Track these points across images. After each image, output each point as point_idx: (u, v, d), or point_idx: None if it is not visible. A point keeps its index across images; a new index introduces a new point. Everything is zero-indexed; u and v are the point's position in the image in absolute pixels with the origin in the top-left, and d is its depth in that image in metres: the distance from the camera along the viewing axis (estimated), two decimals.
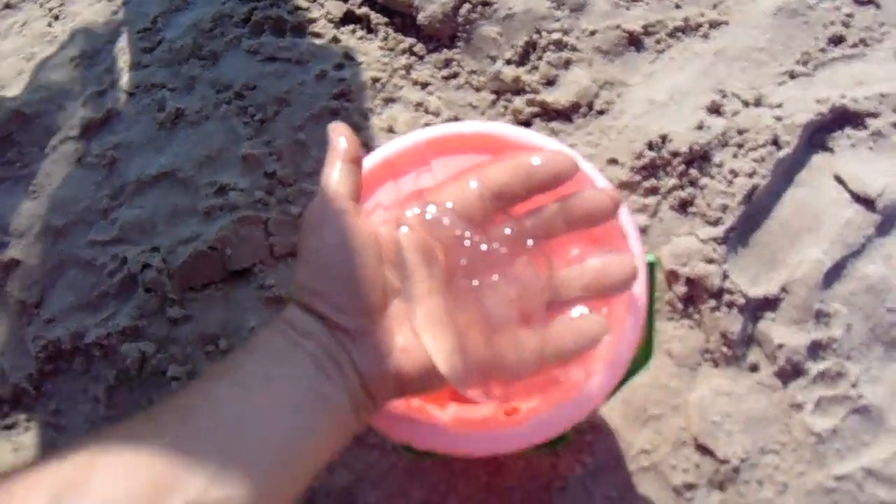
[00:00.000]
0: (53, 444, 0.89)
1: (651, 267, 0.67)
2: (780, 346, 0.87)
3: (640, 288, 0.63)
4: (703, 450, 0.84)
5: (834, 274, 0.90)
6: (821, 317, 0.88)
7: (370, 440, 0.85)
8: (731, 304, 0.88)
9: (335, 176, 0.59)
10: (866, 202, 0.93)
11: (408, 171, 0.73)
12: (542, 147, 0.70)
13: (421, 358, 0.55)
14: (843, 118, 0.98)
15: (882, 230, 0.92)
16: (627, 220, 0.65)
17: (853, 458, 0.84)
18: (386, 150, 0.71)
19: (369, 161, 0.70)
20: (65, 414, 0.91)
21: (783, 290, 0.89)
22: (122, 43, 1.16)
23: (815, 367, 0.86)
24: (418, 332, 0.56)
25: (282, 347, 0.53)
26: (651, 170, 0.96)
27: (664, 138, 0.96)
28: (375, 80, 1.06)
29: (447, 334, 0.56)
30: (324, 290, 0.55)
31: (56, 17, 1.22)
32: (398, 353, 0.55)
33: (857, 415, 0.85)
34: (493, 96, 1.04)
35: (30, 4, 1.25)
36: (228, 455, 0.46)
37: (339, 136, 0.61)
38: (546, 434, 0.59)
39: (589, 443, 0.84)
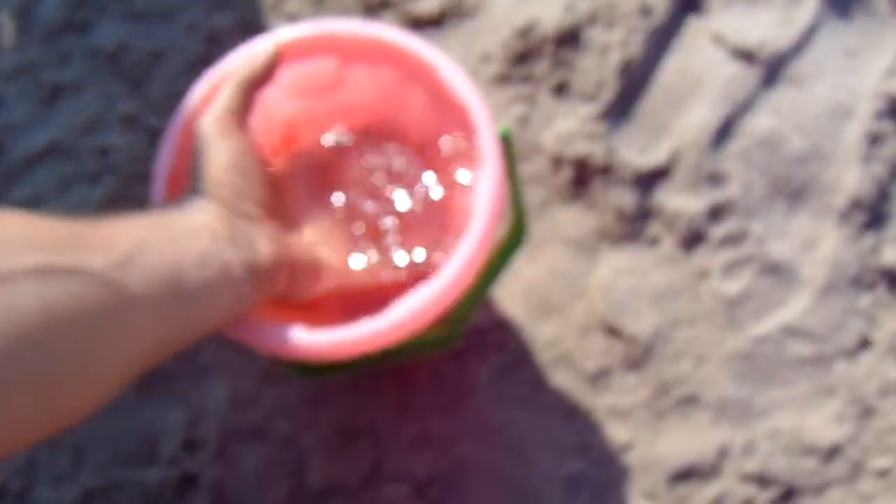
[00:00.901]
0: None
1: (505, 137, 0.65)
2: (678, 215, 0.85)
3: (491, 161, 0.61)
4: (613, 331, 0.82)
5: (724, 133, 0.88)
6: (716, 178, 0.86)
7: (275, 376, 0.83)
8: (621, 179, 0.86)
9: (231, 95, 0.62)
10: (747, 57, 0.91)
11: None
12: (382, 36, 0.68)
13: (311, 254, 0.60)
14: None
15: (767, 83, 0.90)
16: (470, 92, 0.63)
17: (769, 317, 0.83)
18: (224, 63, 0.69)
19: (210, 77, 0.68)
20: None
21: (673, 156, 0.87)
22: None
23: (717, 231, 0.84)
24: (308, 234, 0.62)
25: (186, 218, 0.54)
26: (523, 58, 0.94)
27: (532, 24, 0.94)
28: (245, 20, 1.04)
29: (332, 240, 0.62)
30: (227, 181, 0.56)
31: None
32: (294, 246, 0.59)
33: (766, 273, 0.83)
34: (362, 16, 1.01)
35: None
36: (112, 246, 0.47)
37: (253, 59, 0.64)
38: (413, 324, 0.58)
39: (494, 340, 0.82)
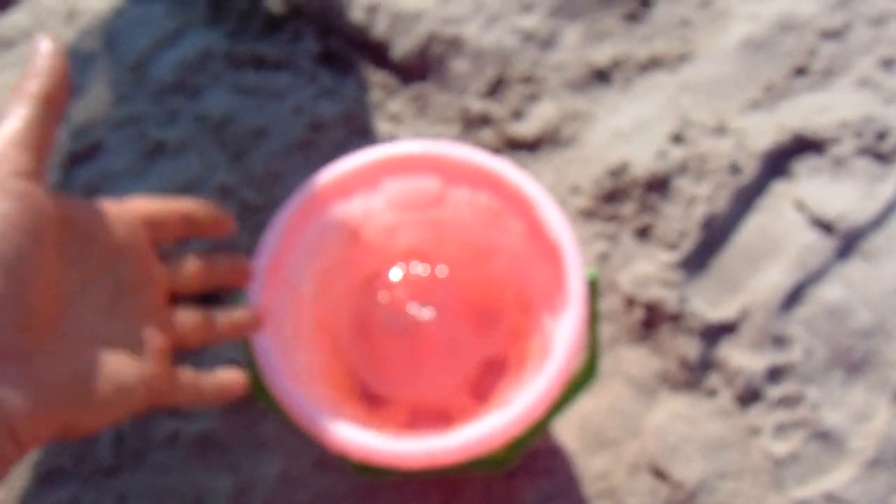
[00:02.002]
0: (23, 461, 0.90)
1: (591, 282, 0.68)
2: (739, 371, 0.87)
3: (575, 302, 0.64)
4: (660, 474, 0.84)
5: (793, 298, 0.90)
6: (780, 341, 0.88)
7: (328, 463, 0.86)
8: (689, 329, 0.89)
9: (15, 123, 0.46)
10: (826, 227, 0.94)
11: (358, 190, 0.75)
12: (488, 165, 0.71)
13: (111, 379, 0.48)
14: (804, 145, 0.99)
15: (842, 254, 0.93)
16: (566, 234, 0.67)
17: (813, 483, 0.84)
18: (334, 169, 0.73)
19: (320, 179, 0.72)
20: None
21: (742, 314, 0.90)
22: (112, 78, 1.19)
23: (774, 392, 0.86)
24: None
25: None
26: (611, 197, 0.97)
27: (625, 166, 0.98)
28: (349, 113, 1.08)
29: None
30: None
31: None
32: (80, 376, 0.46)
33: (816, 439, 0.85)
34: (461, 129, 1.05)
35: (27, 41, 1.28)
36: None
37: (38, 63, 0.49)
38: (480, 448, 0.60)
39: (545, 466, 0.84)
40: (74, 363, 0.46)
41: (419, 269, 0.82)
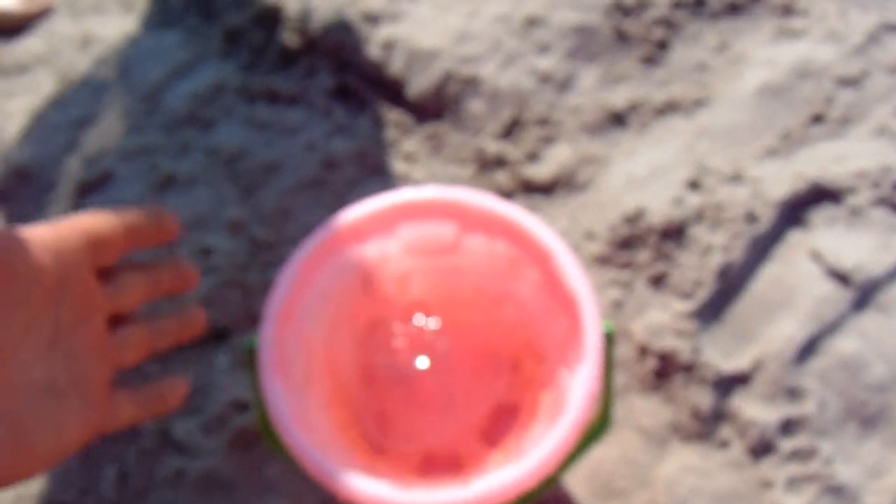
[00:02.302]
0: (25, 493, 0.89)
1: (607, 335, 0.68)
2: (752, 423, 0.86)
3: (592, 356, 0.63)
4: None
5: (808, 350, 0.89)
6: (793, 393, 0.87)
7: (335, 503, 0.85)
8: (702, 379, 0.88)
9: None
10: (842, 278, 0.93)
11: (374, 235, 0.74)
12: (505, 213, 0.71)
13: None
14: (821, 194, 0.99)
15: (858, 306, 0.92)
16: (583, 286, 0.66)
17: None
18: (351, 213, 0.72)
19: (336, 222, 0.72)
20: None
21: (755, 365, 0.89)
22: (124, 108, 1.19)
23: (787, 444, 0.85)
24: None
25: None
26: (626, 244, 0.96)
27: (640, 212, 0.97)
28: (363, 151, 1.08)
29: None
30: None
31: (63, 81, 1.25)
32: None
33: (830, 493, 0.84)
34: (476, 170, 1.05)
35: (40, 67, 1.28)
36: None
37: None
38: (491, 500, 0.59)
39: None
40: (13, 418, 0.46)
41: (423, 321, 0.82)
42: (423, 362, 0.81)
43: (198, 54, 1.23)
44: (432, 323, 0.82)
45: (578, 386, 0.63)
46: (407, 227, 0.75)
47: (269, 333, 0.66)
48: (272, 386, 0.64)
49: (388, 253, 0.76)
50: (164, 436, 0.90)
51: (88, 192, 1.10)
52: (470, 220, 0.74)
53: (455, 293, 0.81)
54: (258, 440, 0.88)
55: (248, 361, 0.69)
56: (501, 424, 0.80)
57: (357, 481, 0.60)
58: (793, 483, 0.84)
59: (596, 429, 0.69)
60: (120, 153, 1.13)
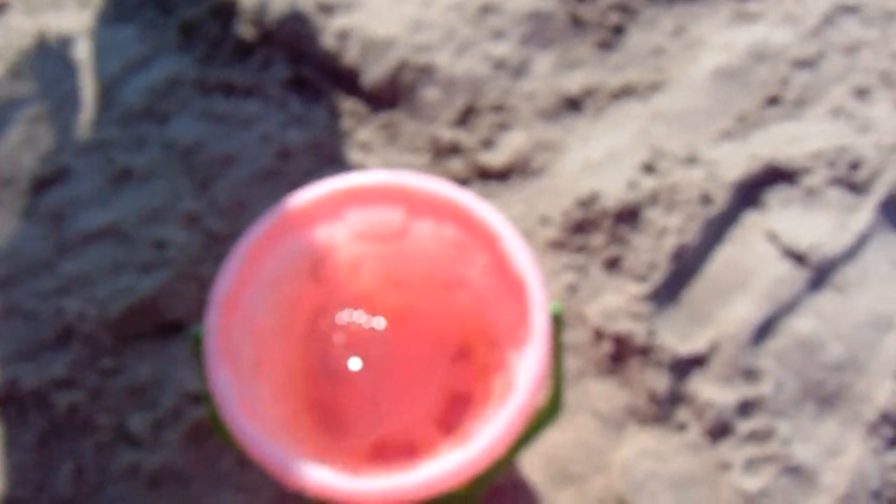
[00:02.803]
0: None
1: (556, 317, 0.67)
2: (709, 405, 0.86)
3: (539, 338, 0.63)
4: None
5: (764, 330, 0.89)
6: (750, 374, 0.87)
7: (290, 499, 0.84)
8: (658, 362, 0.87)
9: None
10: (798, 258, 0.93)
11: (321, 220, 0.74)
12: (453, 197, 0.70)
13: None
14: (777, 175, 0.99)
15: (814, 286, 0.92)
16: (531, 269, 0.66)
17: None
18: (297, 199, 0.71)
19: (281, 209, 0.71)
20: None
21: (712, 347, 0.88)
22: (80, 102, 1.18)
23: (744, 426, 0.85)
24: None
25: None
26: (581, 228, 0.96)
27: (595, 196, 0.97)
28: (318, 141, 1.07)
29: None
30: None
31: (17, 75, 1.24)
32: None
33: (788, 474, 0.84)
34: (431, 158, 1.04)
35: None
36: None
37: None
38: (439, 485, 0.59)
39: (510, 502, 0.83)
40: None
41: (364, 318, 0.81)
42: (356, 363, 0.80)
43: (154, 48, 1.22)
44: (375, 322, 0.82)
45: (525, 368, 0.62)
46: (355, 213, 0.74)
47: (215, 321, 0.66)
48: (218, 374, 0.63)
49: (336, 239, 0.75)
50: (118, 430, 0.89)
51: (44, 187, 1.09)
52: (417, 204, 0.73)
53: (405, 279, 0.80)
54: (212, 433, 0.87)
55: (195, 350, 0.68)
56: (456, 412, 0.79)
57: (304, 469, 0.59)
58: (751, 464, 0.84)
59: (548, 412, 0.69)
60: (76, 148, 1.12)
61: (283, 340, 0.76)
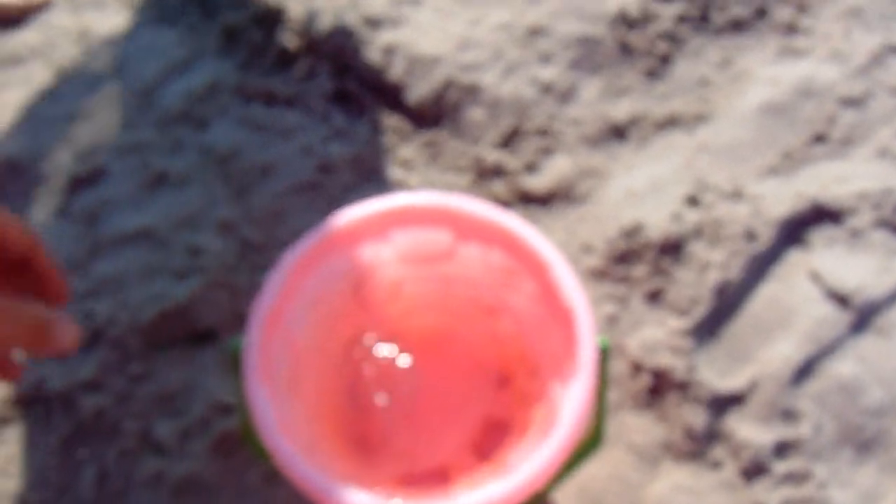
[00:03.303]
0: (2, 491, 0.87)
1: (602, 350, 0.66)
2: (746, 444, 0.84)
3: (585, 371, 0.62)
4: None
5: (805, 371, 0.88)
6: (789, 415, 0.86)
7: None
8: (696, 398, 0.86)
9: None
10: (841, 300, 0.92)
11: (366, 240, 0.73)
12: (503, 223, 0.69)
13: None
14: (822, 214, 0.98)
15: (856, 329, 0.91)
16: (580, 299, 0.65)
17: None
18: (344, 217, 0.71)
19: (328, 226, 0.70)
20: (16, 462, 0.90)
21: (751, 385, 0.87)
22: (119, 103, 1.17)
23: (780, 467, 0.84)
24: None
25: None
26: (624, 258, 0.95)
27: (638, 227, 0.96)
28: (359, 156, 1.06)
29: None
30: None
31: (58, 74, 1.24)
32: None
33: None
34: (473, 179, 1.03)
35: (35, 60, 1.26)
36: None
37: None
38: None
39: None
40: None
41: (397, 353, 0.81)
42: (384, 398, 0.79)
43: (195, 52, 1.21)
44: (405, 359, 0.81)
45: (571, 401, 0.61)
46: (401, 233, 0.73)
47: (256, 337, 0.65)
48: (257, 391, 0.63)
49: (380, 259, 0.75)
50: (144, 436, 0.88)
51: (80, 187, 1.09)
52: (465, 227, 0.72)
53: (447, 303, 0.80)
54: (240, 445, 0.86)
55: (234, 365, 0.68)
56: (493, 439, 0.78)
57: (340, 491, 0.58)
58: None
59: (588, 445, 0.67)
60: (113, 149, 1.11)
61: (320, 360, 0.76)
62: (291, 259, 0.68)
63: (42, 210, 1.08)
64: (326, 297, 0.73)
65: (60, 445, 0.89)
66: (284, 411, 0.65)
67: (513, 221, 0.69)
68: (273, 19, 1.20)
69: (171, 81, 1.19)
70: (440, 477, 0.76)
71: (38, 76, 1.24)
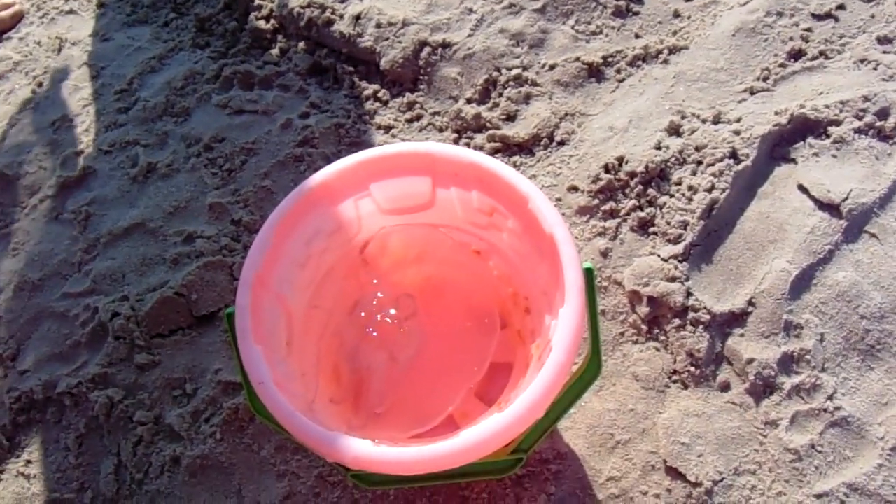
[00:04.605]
0: (25, 494, 0.88)
1: (588, 274, 0.66)
2: (751, 362, 0.84)
3: (572, 293, 0.62)
4: (674, 473, 0.81)
5: (802, 283, 0.88)
6: (791, 328, 0.86)
7: (332, 480, 0.83)
8: (696, 322, 0.86)
9: None
10: (831, 208, 0.91)
11: (347, 195, 0.73)
12: (478, 162, 0.69)
13: None
14: (805, 128, 0.97)
15: (849, 236, 0.90)
16: (560, 226, 0.64)
17: (834, 475, 0.81)
18: (320, 175, 0.71)
19: (306, 186, 0.70)
20: (36, 464, 0.90)
21: (750, 303, 0.87)
22: (100, 105, 1.18)
23: (788, 382, 0.84)
24: None
25: None
26: (609, 193, 0.95)
27: (621, 160, 0.96)
28: (340, 126, 1.07)
29: None
30: None
31: (40, 85, 1.24)
32: None
33: (835, 428, 0.82)
34: (455, 135, 1.04)
35: (16, 74, 1.27)
36: None
37: None
38: (480, 451, 0.58)
39: (554, 472, 0.82)
40: None
41: (392, 308, 0.81)
42: (386, 356, 0.79)
43: (170, 47, 1.22)
44: (403, 314, 0.81)
45: (562, 326, 0.61)
46: (380, 186, 0.73)
47: (245, 300, 0.65)
48: (250, 351, 0.63)
49: (363, 213, 0.75)
50: (157, 424, 0.89)
51: (70, 190, 1.10)
52: (442, 172, 0.72)
53: (435, 250, 0.79)
54: (250, 421, 0.87)
55: (229, 328, 0.68)
56: (498, 383, 0.78)
57: (342, 441, 0.58)
58: (797, 420, 0.83)
59: (586, 373, 0.67)
60: (99, 149, 1.12)
61: (318, 318, 0.76)
62: (273, 223, 0.68)
63: (35, 217, 1.08)
64: (314, 257, 0.74)
65: (76, 443, 0.90)
66: (282, 371, 0.65)
67: (487, 160, 0.69)
68: (245, 5, 1.21)
69: (149, 78, 1.20)
70: (449, 426, 0.76)
71: (19, 89, 1.25)
